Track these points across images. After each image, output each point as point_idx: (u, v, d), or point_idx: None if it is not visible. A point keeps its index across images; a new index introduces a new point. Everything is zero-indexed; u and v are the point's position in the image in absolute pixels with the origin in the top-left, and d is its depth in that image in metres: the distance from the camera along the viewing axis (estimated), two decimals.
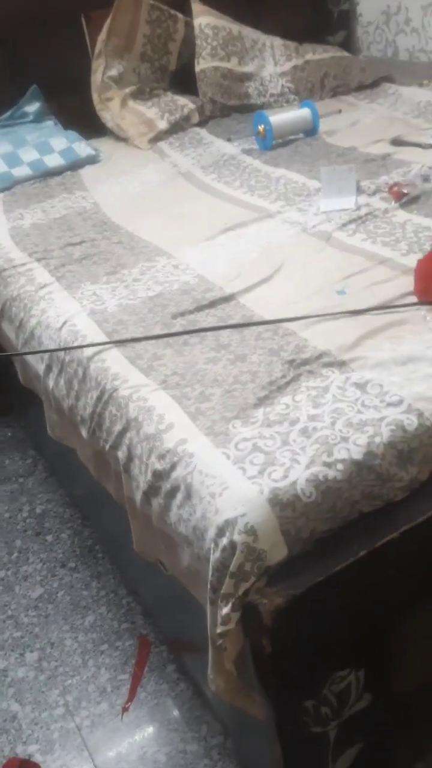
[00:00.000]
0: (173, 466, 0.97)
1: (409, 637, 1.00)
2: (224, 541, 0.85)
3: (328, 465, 0.89)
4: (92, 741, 1.47)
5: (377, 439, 0.92)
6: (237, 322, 1.27)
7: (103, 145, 2.57)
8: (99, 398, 1.18)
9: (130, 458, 1.08)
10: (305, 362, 1.10)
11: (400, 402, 0.97)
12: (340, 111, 2.43)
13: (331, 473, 0.88)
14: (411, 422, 0.94)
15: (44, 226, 1.91)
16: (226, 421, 1.00)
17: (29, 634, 1.71)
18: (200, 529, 0.90)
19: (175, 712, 1.49)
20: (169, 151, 2.40)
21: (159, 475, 0.99)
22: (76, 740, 1.48)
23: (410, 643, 1.01)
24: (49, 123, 2.54)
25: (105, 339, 1.27)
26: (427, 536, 0.90)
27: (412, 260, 1.35)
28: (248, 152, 2.24)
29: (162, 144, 2.47)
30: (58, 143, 2.40)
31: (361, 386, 1.02)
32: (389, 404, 0.97)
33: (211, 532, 0.87)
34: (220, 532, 0.86)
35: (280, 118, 2.23)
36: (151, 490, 1.01)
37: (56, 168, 2.34)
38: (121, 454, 1.10)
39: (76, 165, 2.38)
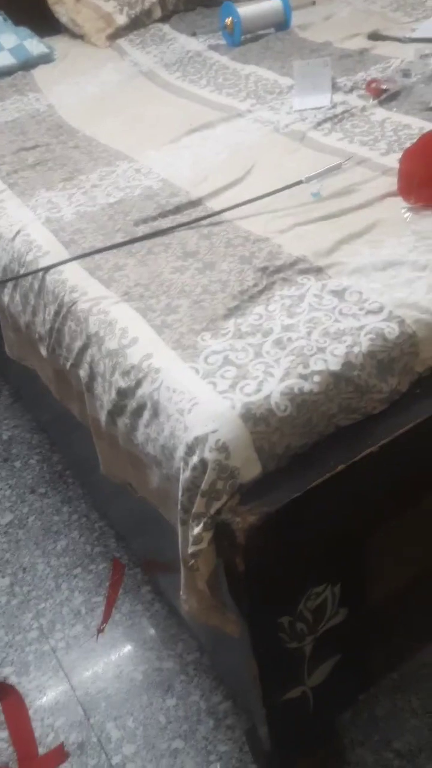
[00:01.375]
0: (138, 383, 0.91)
1: (383, 549, 0.97)
2: (194, 459, 0.79)
3: (303, 377, 0.83)
4: (68, 662, 1.46)
5: (356, 349, 0.86)
6: (206, 224, 1.17)
7: (58, 43, 2.36)
8: (57, 313, 1.09)
9: (92, 376, 1.00)
10: (279, 269, 1.02)
11: (380, 309, 0.91)
12: (314, 3, 2.25)
13: (307, 386, 0.82)
14: (392, 330, 0.88)
15: None
16: (194, 333, 0.93)
17: (0, 560, 1.68)
18: (169, 447, 0.84)
19: (151, 632, 1.48)
20: (129, 48, 2.21)
21: (124, 393, 0.93)
22: (52, 661, 1.47)
23: (384, 554, 0.99)
24: None
25: (61, 249, 1.17)
26: (407, 449, 0.86)
27: (391, 160, 1.25)
28: (215, 48, 2.06)
29: (121, 41, 2.27)
30: (7, 40, 2.19)
31: (338, 294, 0.95)
32: (369, 312, 0.91)
33: (181, 451, 0.81)
34: (190, 450, 0.80)
35: (250, 9, 2.05)
36: (116, 410, 0.95)
37: (6, 68, 2.14)
38: (83, 372, 1.02)
39: (27, 64, 2.18)
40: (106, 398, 0.97)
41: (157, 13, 2.40)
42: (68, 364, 1.07)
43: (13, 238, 1.26)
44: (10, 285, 1.24)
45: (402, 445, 0.85)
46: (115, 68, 2.08)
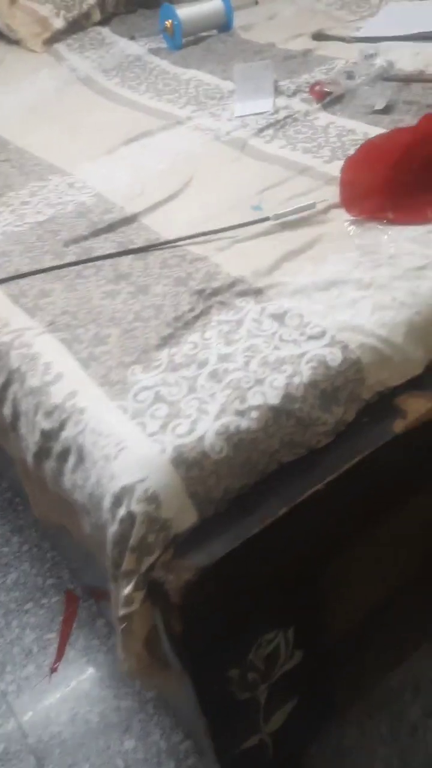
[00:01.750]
0: (62, 425, 0.83)
1: (336, 585, 0.91)
2: (122, 511, 0.72)
3: (240, 413, 0.76)
4: (19, 706, 1.38)
5: (296, 380, 0.79)
6: (139, 246, 1.10)
7: None
8: None
9: (16, 415, 0.92)
10: (216, 292, 0.96)
11: (322, 334, 0.85)
12: (256, 2, 2.18)
13: (244, 423, 0.76)
14: (334, 357, 0.82)
15: None
16: (124, 367, 0.86)
17: None
18: (96, 496, 0.77)
19: (107, 668, 1.40)
20: (66, 53, 2.12)
21: (48, 436, 0.85)
22: (1, 707, 1.39)
23: (338, 590, 0.93)
24: None
25: None
26: (355, 482, 0.80)
27: (335, 168, 1.19)
28: (155, 52, 1.99)
29: (59, 46, 2.18)
30: None
31: (278, 318, 0.89)
32: (310, 337, 0.85)
33: (107, 501, 0.74)
34: (117, 501, 0.73)
35: (189, 11, 1.98)
36: (42, 452, 0.87)
37: None
38: (7, 410, 0.94)
39: None
40: (30, 439, 0.89)
41: (96, 16, 2.31)
42: None
43: None
44: None
45: (350, 479, 0.79)
46: (51, 74, 1.99)
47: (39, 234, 1.19)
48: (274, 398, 0.78)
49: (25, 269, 1.10)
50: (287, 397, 0.78)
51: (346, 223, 1.05)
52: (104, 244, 1.13)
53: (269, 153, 1.31)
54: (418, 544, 0.99)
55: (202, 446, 0.74)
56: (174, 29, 1.96)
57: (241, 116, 1.48)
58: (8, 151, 1.57)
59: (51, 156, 1.49)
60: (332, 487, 0.77)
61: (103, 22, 2.30)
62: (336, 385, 0.81)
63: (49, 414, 0.85)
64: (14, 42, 2.27)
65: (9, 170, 1.46)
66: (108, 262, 1.08)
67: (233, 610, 0.77)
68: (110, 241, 1.13)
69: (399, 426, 0.81)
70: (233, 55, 1.85)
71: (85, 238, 1.15)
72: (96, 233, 1.15)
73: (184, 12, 1.96)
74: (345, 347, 0.83)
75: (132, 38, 2.05)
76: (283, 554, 0.79)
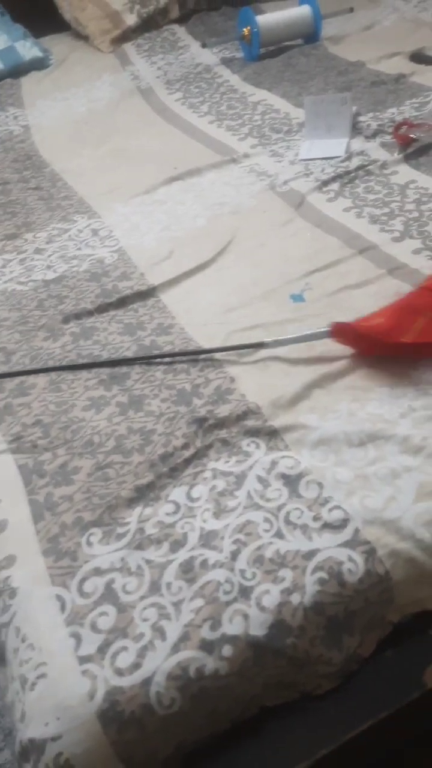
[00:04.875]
0: None
1: None
2: None
3: (208, 647, 0.55)
4: None
5: (295, 598, 0.58)
6: (150, 332, 0.90)
7: (58, 44, 2.09)
8: None
9: None
10: (221, 423, 0.74)
11: (343, 524, 0.62)
12: (351, 9, 1.90)
13: (211, 664, 0.55)
14: (354, 568, 0.59)
15: None
16: (81, 529, 0.66)
17: None
18: (10, 720, 0.58)
19: None
20: (134, 56, 1.93)
21: None
22: None
23: None
24: None
25: None
26: (369, 749, 0.58)
27: (404, 249, 0.95)
28: (228, 63, 1.76)
29: (128, 46, 1.99)
30: None
31: (291, 482, 0.67)
32: (326, 525, 0.62)
33: (16, 743, 0.55)
34: (24, 753, 0.54)
35: (271, 18, 1.74)
36: None
37: None
38: None
39: (17, 70, 1.92)
40: None
41: (174, 12, 2.10)
42: None
43: None
44: None
45: (354, 750, 0.57)
46: (112, 81, 1.80)
47: (41, 299, 1.00)
48: (258, 627, 0.56)
49: (12, 347, 0.92)
50: (278, 627, 0.57)
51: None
52: (108, 326, 0.93)
53: (329, 216, 1.07)
54: None
55: (146, 696, 0.54)
56: (252, 37, 1.72)
57: (305, 159, 1.24)
58: (42, 175, 1.39)
59: (84, 188, 1.31)
60: (325, 762, 0.55)
61: (181, 21, 2.09)
62: (351, 609, 0.58)
63: None
64: (82, 38, 2.10)
65: (36, 202, 1.29)
66: (107, 351, 0.88)
67: None
68: (116, 322, 0.94)
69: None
70: (314, 74, 1.60)
71: (90, 313, 0.95)
72: (103, 309, 0.96)
73: (264, 19, 1.72)
74: (371, 554, 0.60)
75: (204, 46, 1.82)
76: None
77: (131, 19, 2.04)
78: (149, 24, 2.06)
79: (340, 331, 0.80)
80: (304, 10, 1.74)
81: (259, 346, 0.83)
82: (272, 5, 1.99)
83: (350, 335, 0.80)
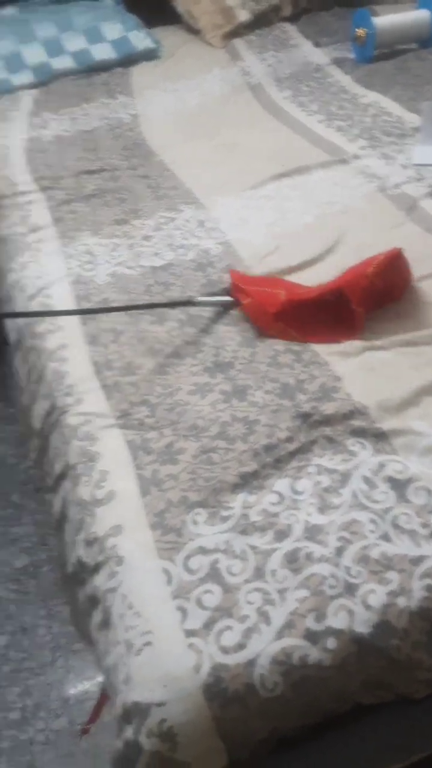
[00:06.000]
0: (96, 568, 0.67)
1: None
2: (128, 732, 0.55)
3: (312, 638, 0.56)
4: (41, 763, 1.28)
5: (401, 601, 0.58)
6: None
7: (169, 36, 2.12)
8: (48, 414, 0.87)
9: (63, 516, 0.78)
10: (327, 420, 0.75)
11: None
12: None
13: (315, 654, 0.56)
14: None
15: (67, 140, 1.55)
16: (186, 506, 0.68)
17: (3, 612, 1.51)
18: (112, 681, 0.61)
19: None
20: (244, 52, 1.94)
21: (82, 567, 0.70)
22: (26, 756, 1.30)
23: None
24: (109, 1, 2.10)
25: (77, 330, 0.95)
26: None
27: None
28: (340, 63, 1.75)
29: (238, 42, 2.00)
30: (112, 30, 1.97)
31: (399, 486, 0.67)
32: None
33: (118, 704, 0.57)
34: (126, 715, 0.56)
35: (388, 20, 1.72)
36: (75, 580, 0.72)
37: (104, 62, 1.92)
38: (57, 504, 0.80)
39: (129, 60, 1.96)
40: (70, 555, 0.74)
41: (287, 10, 2.10)
42: (49, 482, 0.85)
43: (34, 296, 1.05)
44: (19, 354, 1.04)
45: None
46: (222, 76, 1.81)
47: (148, 284, 1.03)
48: (363, 625, 0.57)
49: (121, 328, 0.95)
50: (383, 627, 0.57)
51: None
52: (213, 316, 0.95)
53: None
54: None
55: (249, 676, 0.55)
56: (366, 39, 1.71)
57: (419, 164, 1.22)
58: (151, 164, 1.42)
59: (192, 180, 1.33)
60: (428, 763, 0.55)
61: (292, 19, 2.09)
62: None
63: (88, 544, 0.69)
64: (194, 31, 2.12)
65: (144, 190, 1.31)
66: (212, 340, 0.90)
67: None
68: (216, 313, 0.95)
69: None
70: (429, 78, 1.58)
71: (193, 304, 0.97)
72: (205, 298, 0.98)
73: (381, 21, 1.70)
74: None
75: (317, 45, 1.82)
76: None
77: (244, 15, 2.05)
78: (261, 21, 2.07)
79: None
80: (423, 14, 1.71)
81: (186, 303, 0.92)
82: (388, 8, 1.97)
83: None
